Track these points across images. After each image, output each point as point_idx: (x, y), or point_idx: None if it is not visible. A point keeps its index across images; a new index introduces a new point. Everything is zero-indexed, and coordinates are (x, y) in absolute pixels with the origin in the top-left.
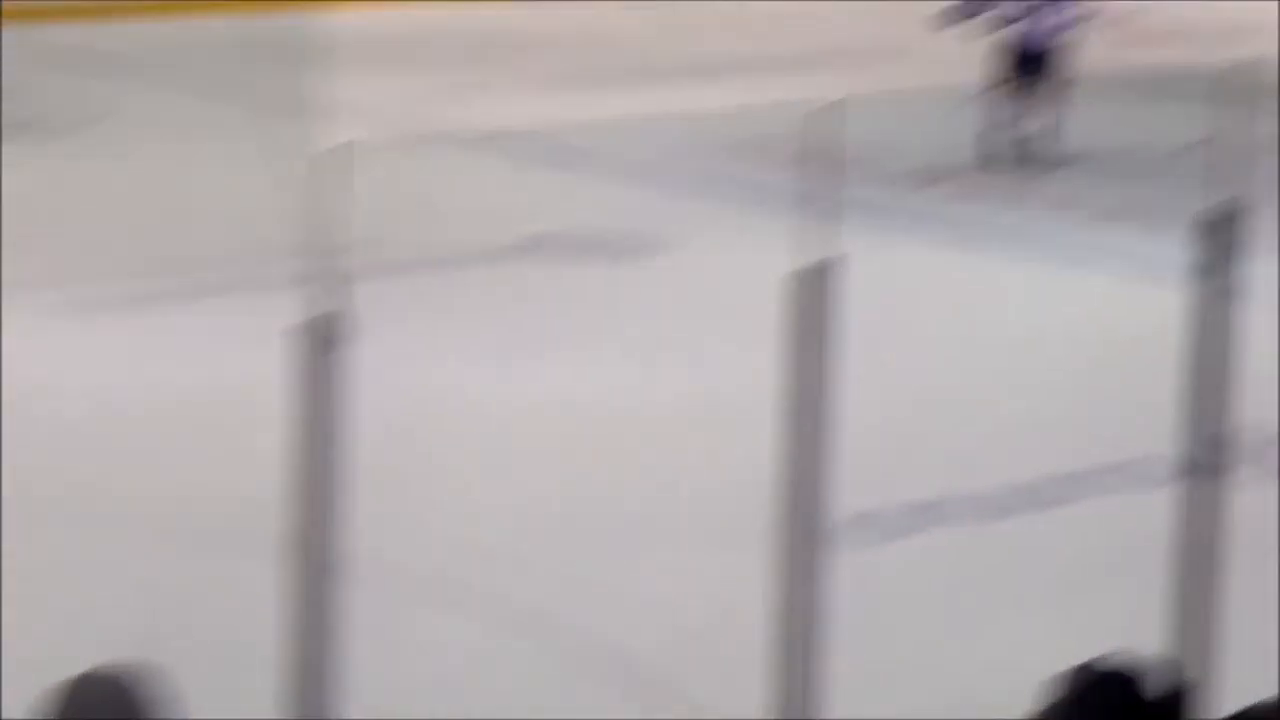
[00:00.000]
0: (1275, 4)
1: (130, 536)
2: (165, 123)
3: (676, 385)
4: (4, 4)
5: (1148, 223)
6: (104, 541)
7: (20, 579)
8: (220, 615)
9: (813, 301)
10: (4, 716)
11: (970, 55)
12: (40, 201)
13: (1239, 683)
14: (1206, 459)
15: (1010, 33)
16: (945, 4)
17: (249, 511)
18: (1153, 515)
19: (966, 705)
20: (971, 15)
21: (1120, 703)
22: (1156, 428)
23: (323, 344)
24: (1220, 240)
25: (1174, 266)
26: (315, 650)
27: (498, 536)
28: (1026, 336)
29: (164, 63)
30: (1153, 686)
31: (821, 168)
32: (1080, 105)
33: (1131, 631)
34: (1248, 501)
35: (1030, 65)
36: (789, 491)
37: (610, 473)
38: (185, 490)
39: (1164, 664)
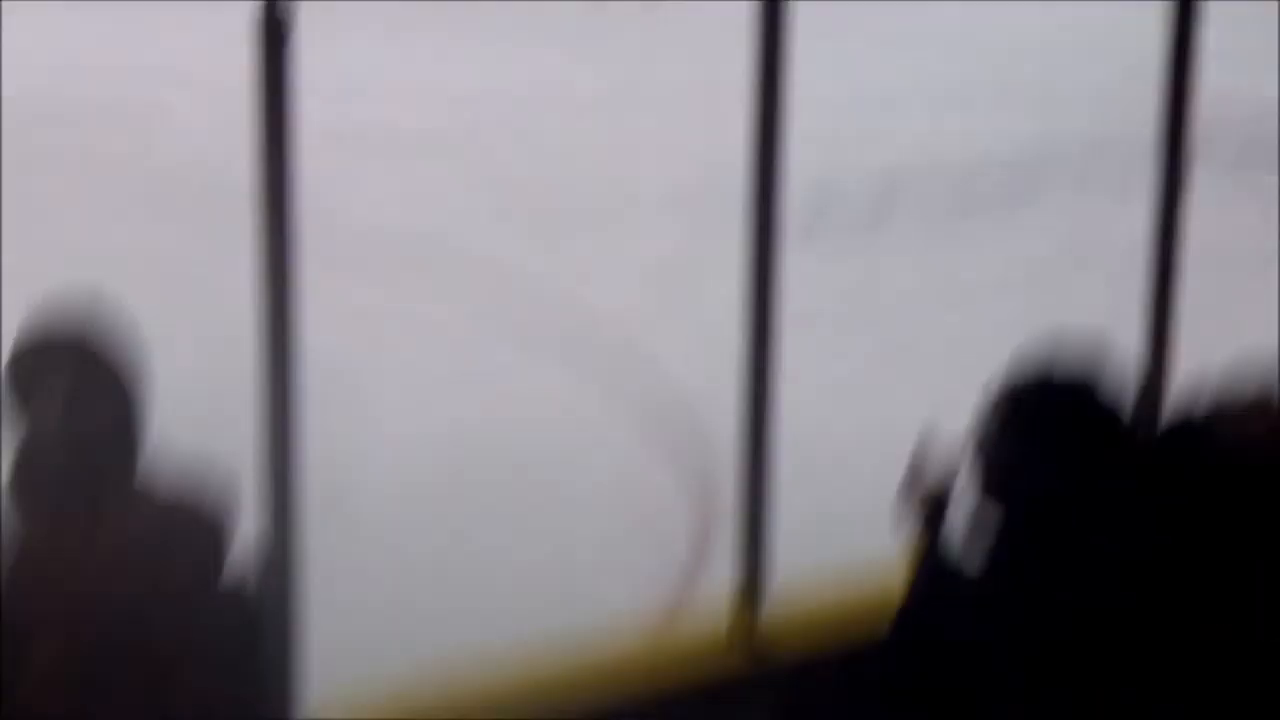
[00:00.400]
0: None
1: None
2: None
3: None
4: None
5: None
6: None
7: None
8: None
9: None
10: None
11: None
12: None
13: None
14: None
15: None
16: None
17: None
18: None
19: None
20: None
21: (1068, 415)
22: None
23: (273, 33)
24: None
25: None
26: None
27: (449, 213)
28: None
29: None
30: (1104, 392)
31: None
32: None
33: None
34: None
35: None
36: (754, 169)
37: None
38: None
39: (1111, 363)
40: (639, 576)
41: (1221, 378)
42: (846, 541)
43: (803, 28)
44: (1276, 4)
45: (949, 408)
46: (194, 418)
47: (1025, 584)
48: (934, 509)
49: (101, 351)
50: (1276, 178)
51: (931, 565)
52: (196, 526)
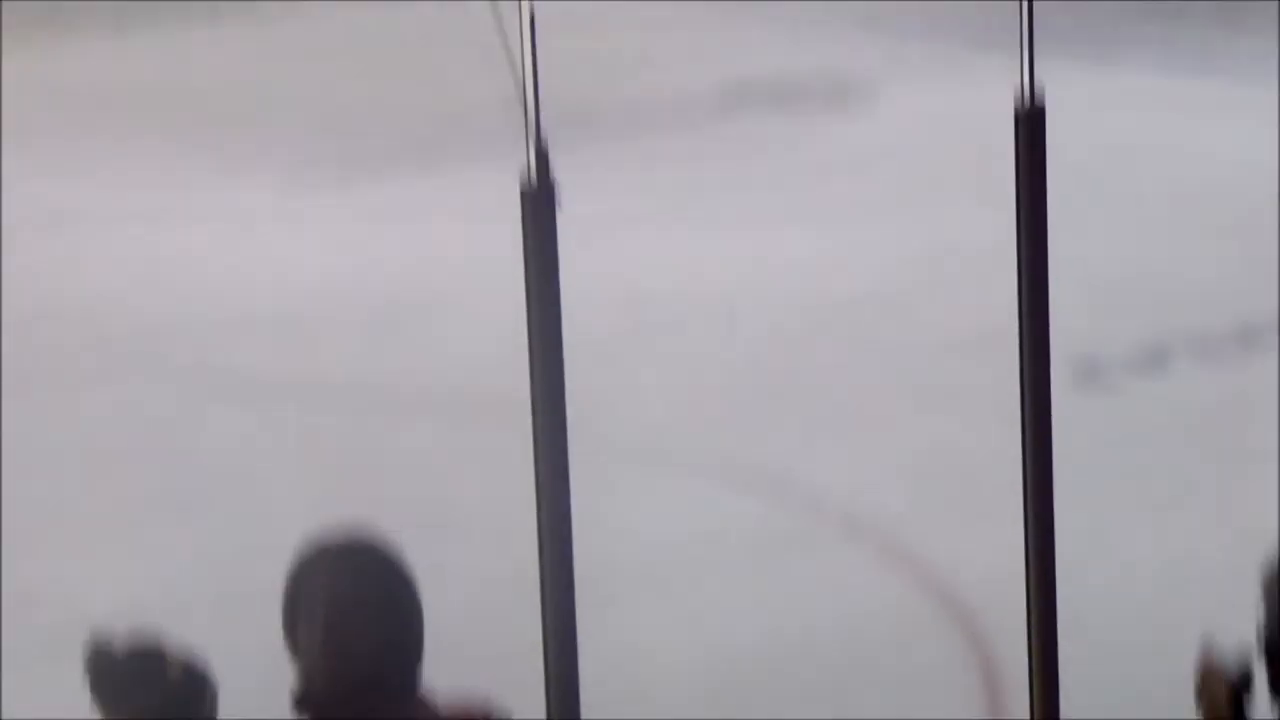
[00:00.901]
0: None
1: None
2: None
3: (892, 238)
4: None
5: None
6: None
7: (257, 459)
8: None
9: (1027, 143)
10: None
11: None
12: (252, 82)
13: None
14: None
15: None
16: None
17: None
18: None
19: None
20: None
21: None
22: None
23: (539, 210)
24: None
25: None
26: (555, 514)
27: (721, 402)
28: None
29: None
30: None
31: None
32: None
33: None
34: None
35: None
36: (1023, 340)
37: (837, 334)
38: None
39: None
40: None
41: None
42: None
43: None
44: None
45: None
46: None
47: None
48: (1233, 709)
49: (369, 567)
50: None
51: None
52: None
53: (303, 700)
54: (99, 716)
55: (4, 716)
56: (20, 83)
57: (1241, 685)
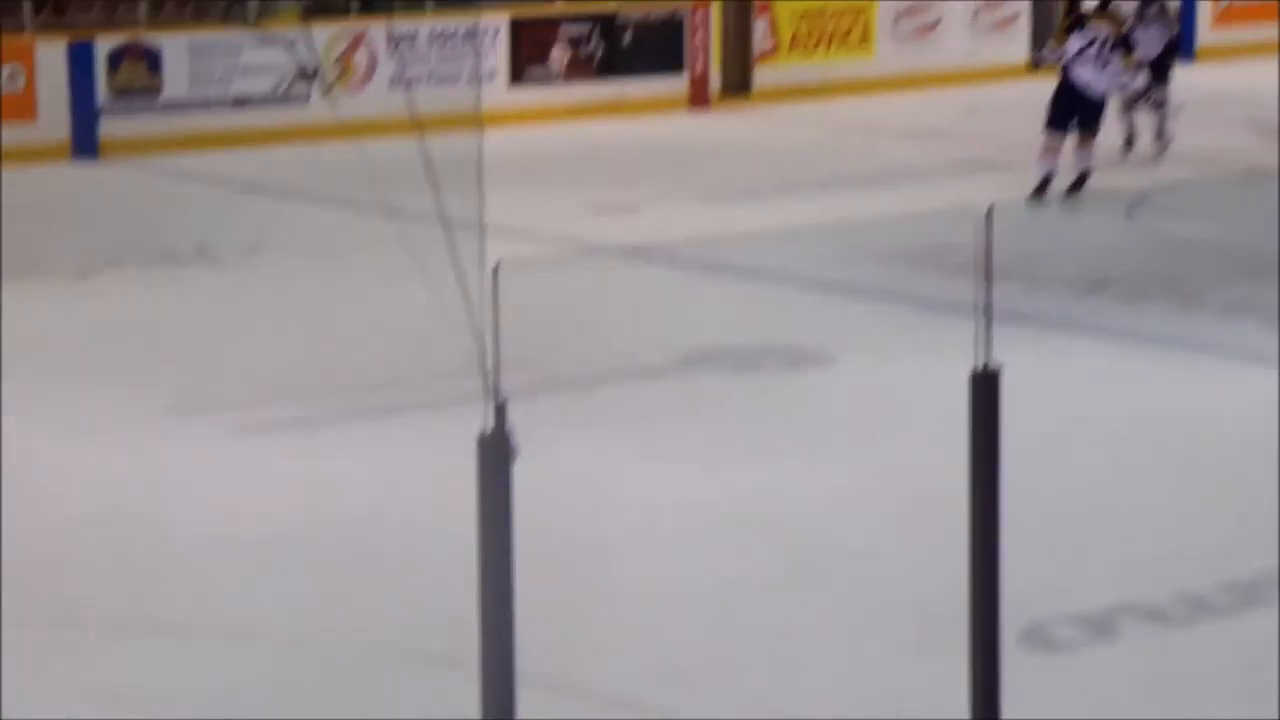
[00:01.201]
0: None
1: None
2: (322, 246)
3: (849, 488)
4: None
5: None
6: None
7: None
8: None
9: (982, 407)
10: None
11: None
12: (210, 328)
13: None
14: None
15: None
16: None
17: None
18: None
19: None
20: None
21: None
22: None
23: (494, 461)
24: None
25: None
26: None
27: (683, 657)
28: (1200, 439)
29: (308, 186)
30: None
31: (981, 274)
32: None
33: None
34: None
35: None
36: (972, 593)
37: (786, 582)
38: (363, 610)
39: None
40: None
41: None
42: None
43: None
44: None
45: None
46: None
47: None
48: None
49: None
50: None
51: None
52: None
53: None
54: None
55: (4, 717)
56: None
57: None
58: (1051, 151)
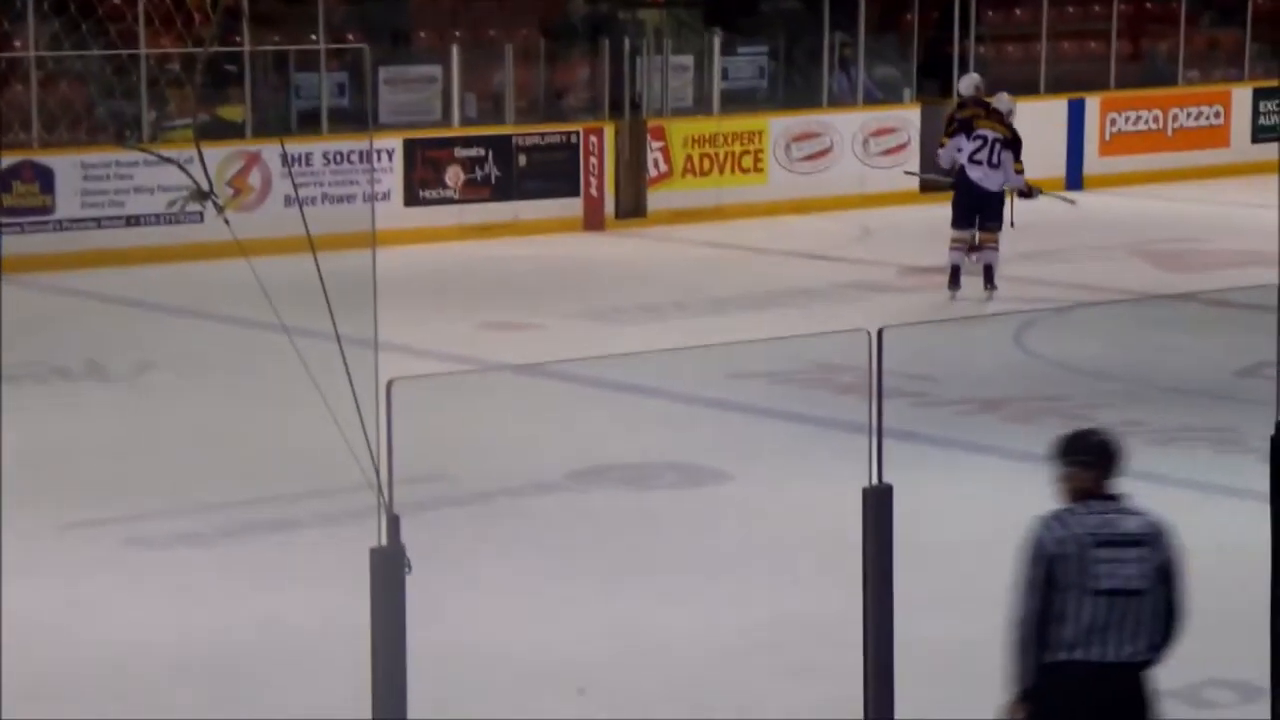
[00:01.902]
0: None
1: None
2: (215, 363)
3: (744, 611)
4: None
5: (1216, 445)
6: None
7: None
8: None
9: (874, 522)
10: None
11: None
12: (101, 443)
13: None
14: None
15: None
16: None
17: None
18: None
19: None
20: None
21: None
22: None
23: (387, 574)
24: None
25: (1237, 488)
26: None
27: None
28: None
29: (201, 304)
30: None
31: (869, 395)
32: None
33: None
34: None
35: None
36: (867, 712)
37: (680, 703)
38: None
39: None
40: None
41: None
42: None
43: None
44: None
45: None
46: None
47: None
48: None
49: None
50: None
51: None
52: None
53: None
54: None
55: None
56: None
57: None
58: (959, 246)
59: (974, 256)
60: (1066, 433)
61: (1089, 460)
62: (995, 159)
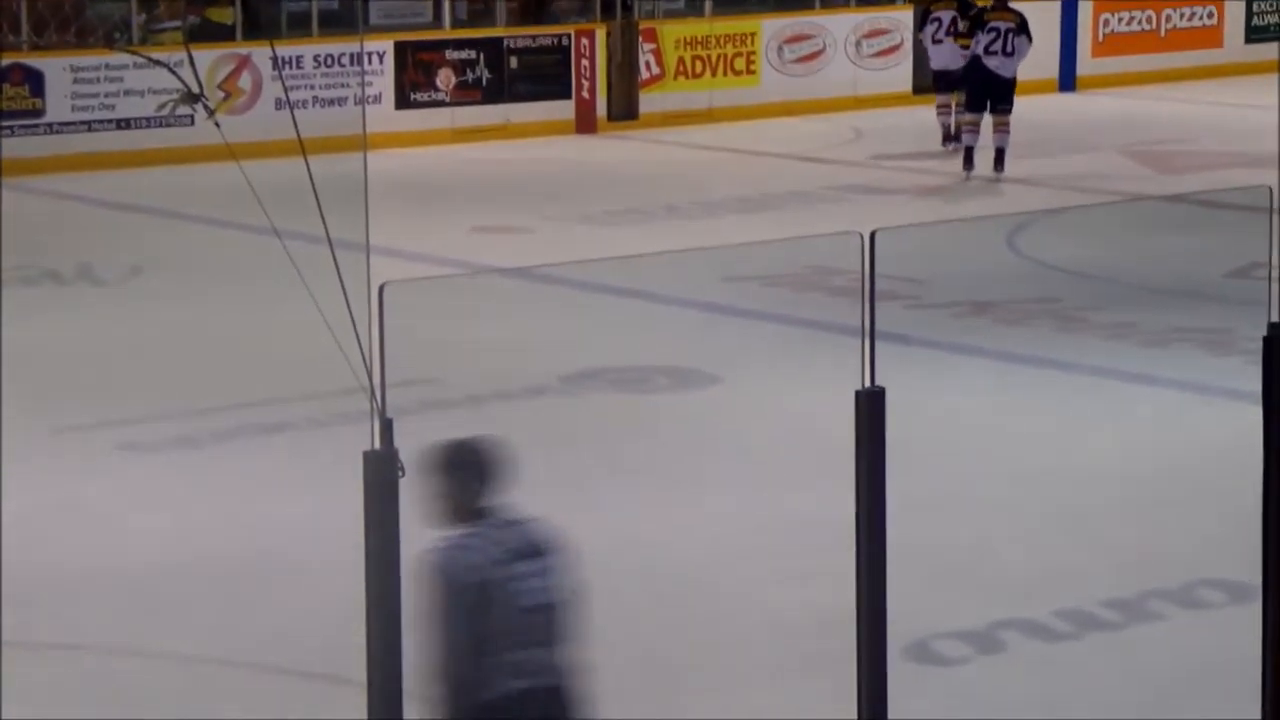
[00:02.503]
0: None
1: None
2: (207, 266)
3: (736, 510)
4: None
5: (1208, 346)
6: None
7: None
8: None
9: (866, 425)
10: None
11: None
12: (93, 347)
13: None
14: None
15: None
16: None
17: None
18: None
19: None
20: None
21: None
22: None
23: (380, 478)
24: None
25: (1229, 389)
26: None
27: None
28: (1083, 462)
29: (192, 208)
30: None
31: (861, 297)
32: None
33: None
34: None
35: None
36: (861, 614)
37: (672, 605)
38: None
39: None
40: None
41: None
42: None
43: None
44: None
45: None
46: None
47: None
48: None
49: None
50: None
51: None
52: None
53: None
54: None
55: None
56: None
57: None
58: (972, 129)
59: (952, 141)
60: (440, 444)
61: (475, 473)
62: (1009, 47)
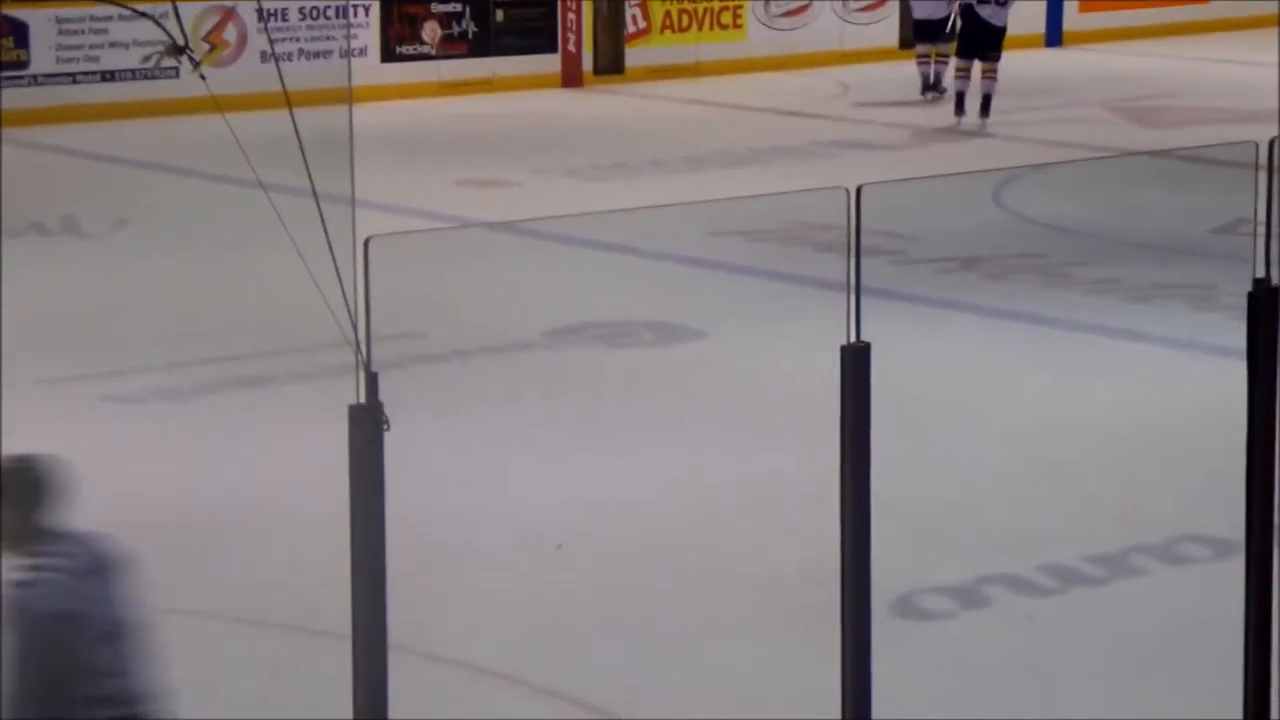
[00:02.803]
0: None
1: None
2: (191, 219)
3: (718, 467)
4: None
5: (1193, 302)
6: None
7: None
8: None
9: (851, 381)
10: None
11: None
12: (78, 299)
13: None
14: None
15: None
16: None
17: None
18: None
19: None
20: None
21: None
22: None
23: (365, 431)
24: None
25: (1214, 345)
26: None
27: (540, 626)
28: (1068, 417)
29: (177, 160)
30: None
31: (847, 253)
32: (1113, 188)
33: None
34: None
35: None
36: (845, 570)
37: (657, 561)
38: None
39: None
40: None
41: None
42: None
43: None
44: None
45: None
46: None
47: None
48: None
49: None
50: None
51: None
52: None
53: None
54: None
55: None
56: None
57: None
58: (964, 75)
59: (931, 90)
60: None
61: (35, 497)
62: None
